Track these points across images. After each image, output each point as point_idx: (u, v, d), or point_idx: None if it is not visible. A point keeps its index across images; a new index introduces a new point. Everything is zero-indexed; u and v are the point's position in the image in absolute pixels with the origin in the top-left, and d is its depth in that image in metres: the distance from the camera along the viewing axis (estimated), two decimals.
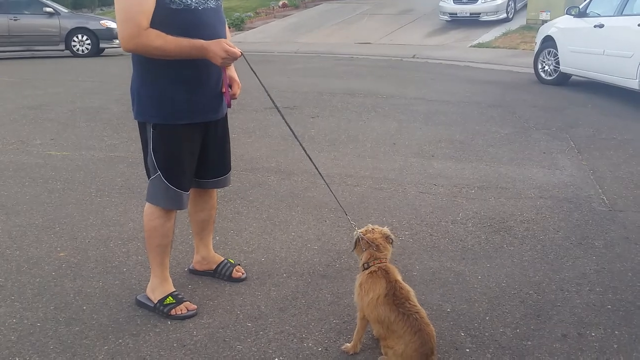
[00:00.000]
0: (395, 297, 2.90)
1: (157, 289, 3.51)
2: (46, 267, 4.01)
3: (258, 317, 3.44)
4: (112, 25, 17.10)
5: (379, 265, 3.02)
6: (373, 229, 3.14)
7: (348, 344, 3.14)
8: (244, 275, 3.88)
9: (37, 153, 6.82)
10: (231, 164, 3.70)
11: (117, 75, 12.66)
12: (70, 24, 16.93)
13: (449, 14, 19.82)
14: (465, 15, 19.46)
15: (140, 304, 3.55)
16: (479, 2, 19.19)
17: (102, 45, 17.05)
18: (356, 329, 3.11)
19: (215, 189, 3.76)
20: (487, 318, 3.47)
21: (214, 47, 2.99)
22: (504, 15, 19.30)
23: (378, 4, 25.53)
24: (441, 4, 20.04)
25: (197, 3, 3.06)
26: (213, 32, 3.12)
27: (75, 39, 16.94)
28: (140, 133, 3.33)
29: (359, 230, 3.14)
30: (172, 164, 3.27)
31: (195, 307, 3.50)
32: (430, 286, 3.84)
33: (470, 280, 3.92)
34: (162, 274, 3.52)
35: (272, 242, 4.45)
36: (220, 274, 3.86)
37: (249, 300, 3.62)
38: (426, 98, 10.17)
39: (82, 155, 6.68)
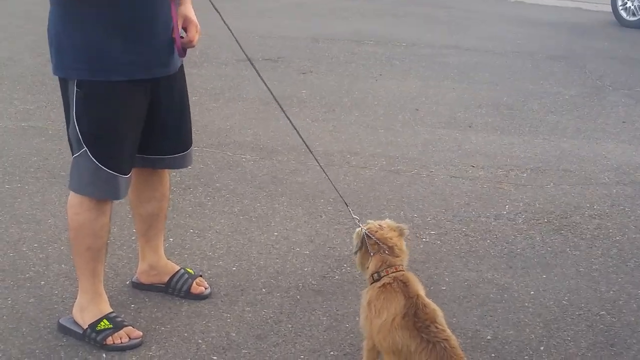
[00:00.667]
0: (417, 319, 2.89)
1: (88, 309, 3.50)
2: None
3: (227, 348, 3.45)
4: None
5: (394, 275, 3.01)
6: (381, 225, 3.14)
7: None
8: (207, 291, 3.89)
9: None
10: (192, 138, 3.71)
11: (31, 13, 12.55)
12: None
13: None
14: None
15: (64, 330, 3.54)
16: None
17: None
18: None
19: (168, 171, 3.77)
20: (542, 348, 3.50)
21: None
22: None
23: None
24: None
25: None
26: None
27: None
28: (62, 94, 3.32)
29: (363, 227, 3.16)
30: (104, 136, 3.24)
31: (141, 334, 3.50)
32: (465, 305, 3.87)
33: (520, 297, 3.95)
34: (95, 288, 3.51)
35: (246, 245, 4.47)
36: (175, 288, 3.87)
37: (214, 325, 3.63)
38: (461, 46, 10.19)
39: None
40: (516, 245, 4.52)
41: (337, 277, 4.12)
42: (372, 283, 3.06)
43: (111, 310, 3.56)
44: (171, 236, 4.52)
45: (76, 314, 3.53)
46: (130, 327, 3.50)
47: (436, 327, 2.88)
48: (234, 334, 3.57)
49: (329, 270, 4.19)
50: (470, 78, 8.47)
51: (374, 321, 2.99)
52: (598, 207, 5.05)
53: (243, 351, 3.44)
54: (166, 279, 3.88)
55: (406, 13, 12.97)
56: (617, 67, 9.04)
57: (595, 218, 4.90)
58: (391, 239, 3.08)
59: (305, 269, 4.20)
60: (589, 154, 6.07)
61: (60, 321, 3.58)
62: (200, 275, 3.98)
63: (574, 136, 6.54)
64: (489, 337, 3.58)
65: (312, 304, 3.84)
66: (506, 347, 3.51)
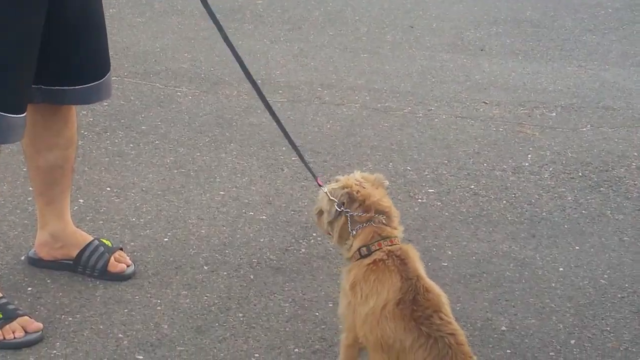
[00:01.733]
0: (415, 307, 2.87)
1: None
2: None
3: (157, 345, 3.45)
4: None
5: (389, 248, 2.99)
6: (360, 182, 3.05)
7: None
8: (130, 269, 3.89)
9: None
10: (109, 62, 3.67)
11: None
12: None
13: None
14: None
15: None
16: None
17: None
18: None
19: (76, 109, 3.73)
20: (573, 342, 3.53)
21: None
22: None
23: None
24: None
25: None
26: None
27: None
28: None
29: (336, 185, 3.10)
30: None
31: (41, 326, 3.48)
32: (472, 286, 3.89)
33: (545, 276, 3.98)
34: None
35: (183, 209, 4.47)
36: (88, 266, 3.86)
37: (139, 314, 3.63)
38: None
39: None
40: (541, 208, 4.54)
41: (303, 250, 4.13)
42: (358, 259, 3.01)
43: (0, 295, 3.56)
44: (81, 196, 4.50)
45: None
46: (27, 317, 3.47)
47: (440, 319, 2.86)
48: (166, 326, 3.56)
49: (293, 241, 4.20)
50: None
51: (359, 309, 2.96)
52: None
53: (178, 348, 3.43)
54: (75, 253, 3.86)
55: None
56: None
57: None
58: (381, 200, 3.03)
59: (262, 240, 4.20)
60: (638, 87, 6.08)
61: None
62: (121, 248, 3.96)
63: (619, 63, 6.54)
64: (503, 328, 3.60)
65: (270, 285, 3.85)
66: (526, 340, 3.52)
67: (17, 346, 3.38)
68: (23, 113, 3.31)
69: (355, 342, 3.03)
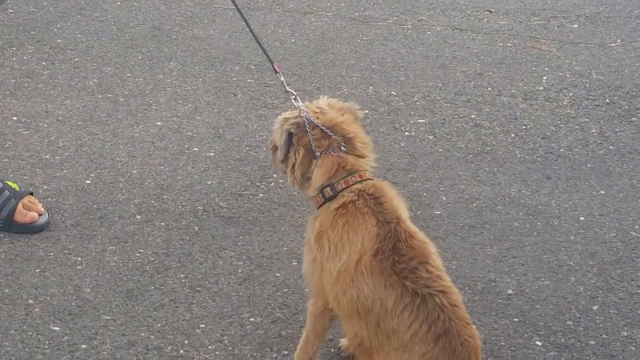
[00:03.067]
0: (397, 256, 2.89)
1: None
2: None
3: (77, 313, 3.46)
4: None
5: (359, 186, 2.99)
6: (321, 107, 3.07)
7: None
8: (42, 218, 3.91)
9: None
10: None
11: None
12: None
13: None
14: None
15: None
16: None
17: None
18: (304, 336, 3.18)
19: None
20: (595, 308, 3.56)
21: None
22: None
23: None
24: None
25: None
26: None
27: None
28: None
29: (300, 108, 3.09)
30: None
31: None
32: (472, 240, 3.91)
33: (562, 227, 4.01)
34: None
35: (110, 143, 4.48)
36: None
37: (54, 275, 3.63)
38: None
39: None
40: (558, 143, 4.57)
41: (260, 195, 4.14)
42: (322, 204, 3.04)
43: None
44: None
45: None
46: None
47: (427, 271, 2.87)
48: (87, 290, 3.57)
49: (248, 184, 4.21)
50: None
51: (328, 265, 2.97)
52: None
53: (104, 317, 3.44)
54: None
55: None
56: None
57: None
58: (347, 126, 3.04)
59: (209, 183, 4.22)
60: None
61: None
62: (31, 193, 3.97)
63: None
64: (510, 292, 3.62)
65: (219, 239, 3.87)
66: (537, 306, 3.55)
67: None
68: None
69: (326, 309, 3.03)
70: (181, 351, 3.28)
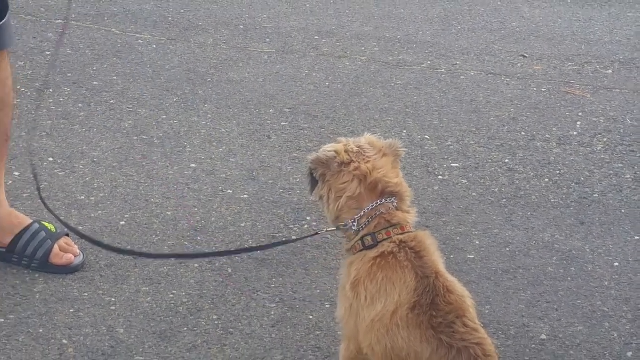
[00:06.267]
0: (435, 311, 2.88)
1: None
2: None
3: (110, 354, 3.45)
4: None
5: (400, 237, 2.98)
6: (361, 147, 3.01)
7: None
8: (78, 260, 3.90)
9: None
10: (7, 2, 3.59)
11: None
12: None
13: None
14: None
15: None
16: None
17: None
18: None
19: (6, 58, 3.69)
20: (630, 354, 3.52)
21: None
22: None
23: None
24: None
25: None
26: None
27: None
28: None
29: (329, 149, 3.03)
30: None
31: None
32: (505, 284, 3.89)
33: (596, 272, 3.98)
34: None
35: (144, 185, 4.49)
36: (25, 254, 3.88)
37: (88, 316, 3.64)
38: None
39: None
40: (592, 188, 4.55)
41: (294, 237, 4.12)
42: (360, 250, 3.00)
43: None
44: (17, 168, 4.53)
45: None
46: None
47: (464, 325, 2.86)
48: (121, 330, 3.57)
49: (282, 226, 4.21)
50: None
51: (363, 313, 2.96)
52: None
53: (137, 358, 3.44)
54: (9, 239, 3.87)
55: None
56: None
57: None
58: (388, 173, 2.98)
59: (242, 225, 4.21)
60: None
61: None
62: (67, 235, 3.97)
63: None
64: (543, 337, 3.60)
65: (252, 282, 3.86)
66: (571, 352, 3.52)
67: None
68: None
69: (359, 354, 3.03)
70: None
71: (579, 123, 5.06)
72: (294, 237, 3.42)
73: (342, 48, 5.79)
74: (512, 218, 4.29)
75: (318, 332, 3.55)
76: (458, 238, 4.13)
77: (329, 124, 4.62)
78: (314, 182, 3.02)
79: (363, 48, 5.80)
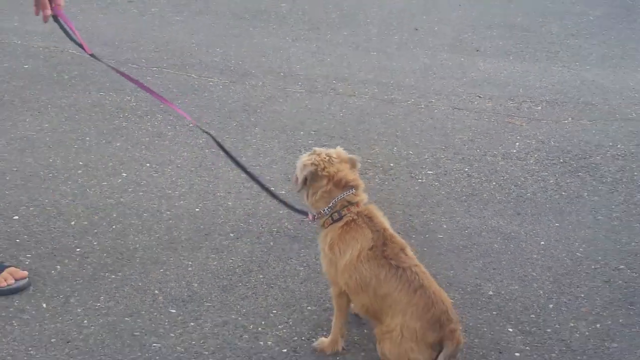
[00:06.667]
0: (385, 247, 3.02)
1: None
2: None
3: (187, 300, 3.48)
4: None
5: (356, 210, 3.11)
6: (329, 156, 3.15)
7: (324, 338, 3.25)
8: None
9: None
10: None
11: None
12: None
13: None
14: None
15: None
16: None
17: None
18: (334, 315, 3.21)
19: None
20: (551, 306, 3.54)
21: None
22: None
23: None
24: None
25: None
26: None
27: None
28: None
29: (308, 160, 3.16)
30: None
31: (26, 273, 3.53)
32: (465, 256, 3.90)
33: (527, 248, 3.99)
34: None
35: (212, 183, 4.49)
36: None
37: (173, 274, 3.66)
38: None
39: None
40: (526, 189, 4.55)
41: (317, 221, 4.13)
42: (331, 224, 3.12)
43: None
44: (124, 170, 4.54)
45: None
46: (13, 268, 3.51)
47: (406, 254, 3.02)
48: (195, 285, 3.60)
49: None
50: None
51: (339, 262, 3.08)
52: (622, 147, 5.07)
53: (206, 304, 3.47)
54: None
55: None
56: None
57: (618, 159, 4.92)
58: (347, 175, 3.13)
59: (281, 212, 4.20)
60: (614, 85, 6.06)
61: None
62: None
63: (598, 64, 6.52)
64: (490, 293, 3.61)
65: (287, 251, 3.88)
66: (510, 303, 3.54)
67: (10, 292, 3.47)
68: None
69: (343, 292, 3.14)
70: (259, 329, 3.32)
71: (517, 144, 5.05)
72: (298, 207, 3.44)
73: (352, 89, 5.80)
74: (469, 210, 4.30)
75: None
76: (431, 223, 4.15)
77: (342, 142, 4.62)
78: (303, 184, 3.15)
79: (366, 89, 5.81)
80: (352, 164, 3.20)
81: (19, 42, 6.43)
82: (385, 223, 3.10)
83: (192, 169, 4.63)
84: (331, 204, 3.11)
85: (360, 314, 3.24)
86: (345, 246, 3.06)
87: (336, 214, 3.10)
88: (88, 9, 7.43)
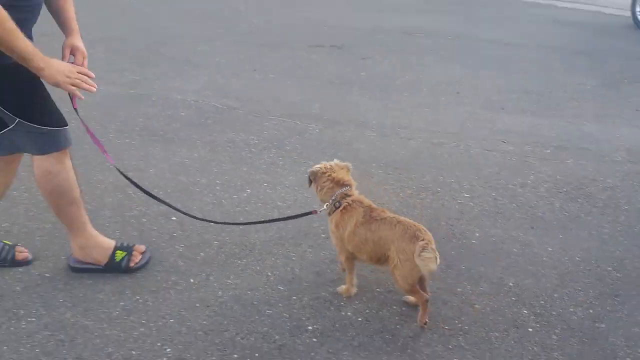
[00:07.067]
0: (372, 213, 3.20)
1: (95, 249, 3.41)
2: None
3: (291, 281, 3.50)
4: None
5: (350, 199, 3.29)
6: (332, 167, 3.38)
7: (343, 286, 3.40)
8: (29, 256, 3.56)
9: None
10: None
11: (143, 2, 12.66)
12: None
13: None
14: None
15: (78, 270, 3.44)
16: None
17: None
18: (347, 273, 3.37)
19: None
20: (556, 295, 3.47)
21: (57, 66, 2.80)
22: None
23: None
24: None
25: None
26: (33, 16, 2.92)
27: None
28: None
29: (315, 166, 3.40)
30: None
31: (143, 247, 3.60)
32: (491, 256, 3.84)
33: (539, 253, 3.91)
34: (90, 231, 3.43)
35: (310, 199, 4.45)
36: (5, 260, 3.52)
37: (281, 262, 3.68)
38: (500, 40, 9.96)
39: (102, 89, 6.75)
40: (538, 210, 4.45)
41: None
42: (333, 211, 3.30)
43: (115, 241, 3.55)
44: (249, 188, 4.57)
45: (79, 253, 3.43)
46: (136, 245, 3.59)
47: (385, 213, 3.19)
48: (297, 270, 3.61)
49: None
50: (505, 68, 8.30)
51: (343, 235, 3.24)
52: (610, 181, 4.95)
53: (304, 284, 3.49)
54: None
55: (454, 10, 12.69)
56: (634, 64, 8.77)
57: (607, 190, 4.80)
58: (345, 179, 3.34)
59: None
60: (604, 136, 5.92)
61: (70, 264, 3.48)
62: (19, 244, 3.65)
63: (593, 120, 6.38)
64: (510, 284, 3.56)
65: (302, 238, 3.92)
66: (525, 292, 3.49)
67: (143, 266, 3.55)
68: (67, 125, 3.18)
69: (349, 255, 3.28)
70: (341, 303, 3.34)
71: (532, 177, 4.99)
72: (309, 210, 3.51)
73: (410, 134, 5.75)
74: (495, 224, 4.25)
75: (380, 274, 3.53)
76: (467, 232, 4.09)
77: (404, 172, 4.61)
78: (310, 182, 3.40)
79: (421, 135, 5.74)
80: (347, 169, 3.39)
81: (179, 97, 6.55)
82: (371, 203, 3.28)
83: (296, 188, 4.64)
84: (333, 197, 3.27)
85: (370, 263, 3.31)
86: (345, 223, 3.21)
87: (337, 202, 3.25)
88: (227, 73, 7.54)
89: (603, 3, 13.85)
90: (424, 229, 3.05)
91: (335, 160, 3.42)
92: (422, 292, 3.11)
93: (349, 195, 3.27)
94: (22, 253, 3.55)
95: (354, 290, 3.38)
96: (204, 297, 3.34)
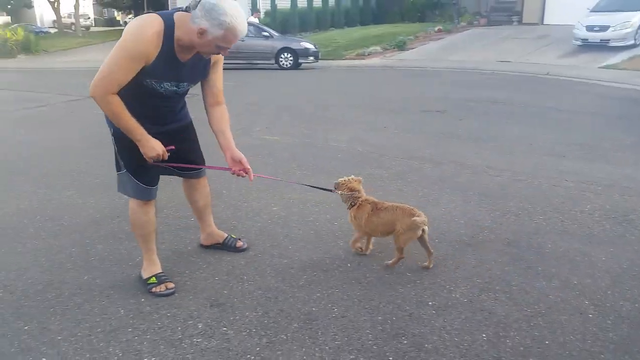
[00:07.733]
0: (377, 205, 3.32)
1: (147, 269, 3.18)
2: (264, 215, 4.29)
3: (415, 270, 3.47)
4: (309, 45, 17.81)
5: (362, 199, 3.39)
6: (349, 179, 3.44)
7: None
8: (245, 245, 3.62)
9: (255, 137, 7.36)
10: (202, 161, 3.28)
11: (310, 83, 13.19)
12: (279, 44, 17.86)
13: (581, 39, 18.05)
14: (596, 41, 17.63)
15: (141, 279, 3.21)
16: (609, 30, 17.29)
17: (300, 60, 17.81)
18: (356, 234, 3.48)
19: (206, 181, 3.42)
20: (609, 292, 3.22)
21: (152, 144, 2.70)
22: (632, 41, 17.22)
23: (518, 29, 23.81)
24: (575, 30, 18.31)
25: (163, 89, 2.71)
26: (167, 104, 2.83)
27: (282, 55, 17.86)
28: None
29: (339, 179, 3.47)
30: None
31: (173, 285, 3.11)
32: (560, 261, 3.63)
33: (595, 261, 3.64)
34: (149, 257, 3.18)
35: (427, 215, 4.40)
36: (227, 245, 3.58)
37: (408, 256, 3.62)
38: (558, 108, 9.38)
39: (286, 140, 7.09)
40: (594, 230, 4.15)
41: (480, 237, 3.98)
42: (351, 207, 3.41)
43: (160, 271, 3.19)
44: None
45: (142, 270, 3.21)
46: (169, 282, 3.12)
47: (387, 204, 3.32)
48: (419, 263, 3.55)
49: (476, 233, 4.06)
50: (564, 127, 7.80)
51: (361, 222, 3.35)
52: None
53: (424, 273, 3.43)
54: (221, 240, 3.62)
55: (523, 87, 12.09)
56: None
57: None
58: (356, 187, 3.40)
59: (461, 231, 4.08)
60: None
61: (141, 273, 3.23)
62: (239, 238, 3.69)
63: (633, 165, 5.85)
64: (575, 282, 3.34)
65: (464, 251, 3.74)
66: (586, 288, 3.27)
67: (161, 295, 3.04)
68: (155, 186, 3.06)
69: (365, 233, 3.45)
70: (452, 288, 3.21)
71: (588, 206, 4.63)
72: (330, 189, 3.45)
73: (496, 173, 5.54)
74: (563, 238, 3.97)
75: (492, 271, 3.41)
76: (541, 245, 3.88)
77: (491, 200, 4.42)
78: (335, 187, 3.44)
79: (505, 174, 5.48)
80: (359, 181, 3.45)
81: (335, 144, 6.61)
82: (376, 200, 3.37)
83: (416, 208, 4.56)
84: (350, 199, 3.40)
85: (381, 236, 3.40)
86: (360, 215, 3.37)
87: (353, 201, 3.40)
88: (366, 129, 7.62)
89: (637, 82, 12.71)
90: (417, 210, 3.22)
91: (352, 176, 3.51)
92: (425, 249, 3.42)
93: (359, 197, 3.39)
94: (240, 242, 3.63)
95: (369, 249, 3.55)
96: (357, 276, 3.37)
